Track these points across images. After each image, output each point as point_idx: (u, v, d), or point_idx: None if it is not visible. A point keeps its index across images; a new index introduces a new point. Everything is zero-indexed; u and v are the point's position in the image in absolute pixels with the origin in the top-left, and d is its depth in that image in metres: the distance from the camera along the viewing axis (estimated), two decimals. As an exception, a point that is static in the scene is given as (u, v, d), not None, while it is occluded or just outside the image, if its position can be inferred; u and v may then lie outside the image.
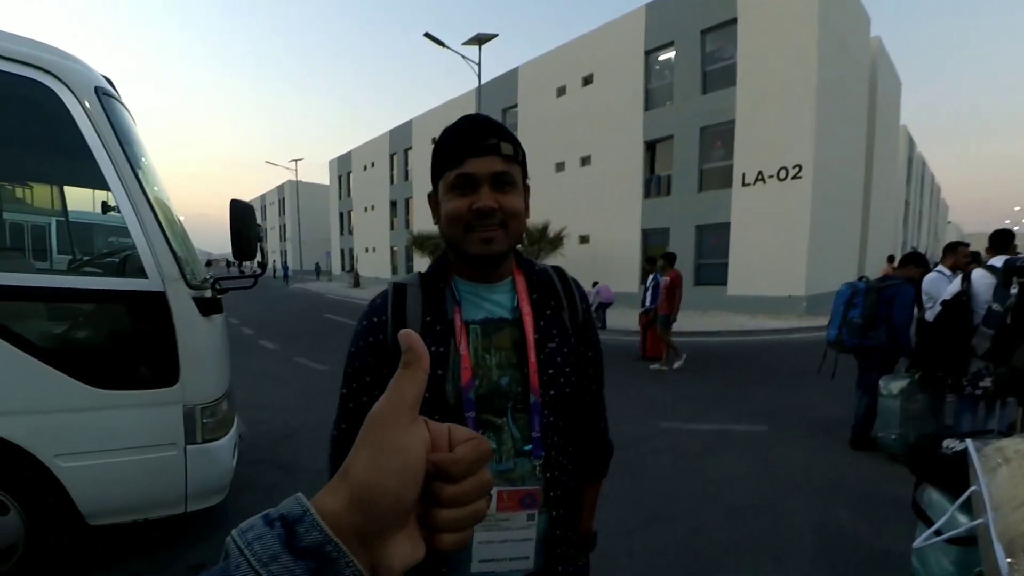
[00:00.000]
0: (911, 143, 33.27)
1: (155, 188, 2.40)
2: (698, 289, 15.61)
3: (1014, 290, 3.06)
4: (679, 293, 7.23)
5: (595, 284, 11.99)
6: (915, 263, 4.34)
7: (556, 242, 16.92)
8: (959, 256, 4.56)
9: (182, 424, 2.27)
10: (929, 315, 4.33)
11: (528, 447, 0.86)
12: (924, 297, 4.26)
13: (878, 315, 4.00)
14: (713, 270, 15.38)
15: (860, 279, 4.27)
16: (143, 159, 2.42)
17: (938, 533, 1.65)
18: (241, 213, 2.36)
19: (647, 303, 7.91)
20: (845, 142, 15.50)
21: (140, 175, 2.22)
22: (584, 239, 18.59)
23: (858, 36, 16.37)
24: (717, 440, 4.36)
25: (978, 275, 3.33)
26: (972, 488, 1.17)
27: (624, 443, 4.29)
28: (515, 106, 21.74)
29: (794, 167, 13.36)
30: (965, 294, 3.33)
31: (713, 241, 15.35)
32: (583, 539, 1.04)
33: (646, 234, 17.06)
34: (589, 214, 18.38)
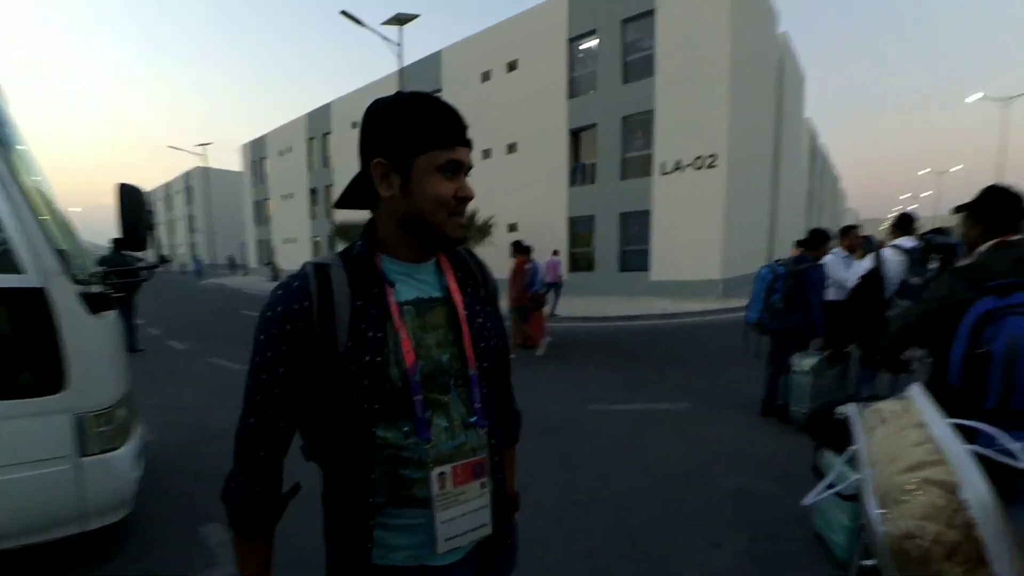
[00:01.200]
0: (814, 135, 36.34)
1: (34, 177, 2.18)
2: (623, 275, 16.29)
3: (933, 265, 3.45)
4: (519, 281, 7.43)
5: (556, 253, 12.45)
6: (825, 240, 4.61)
7: (485, 230, 16.97)
8: (852, 238, 5.08)
9: (72, 434, 2.09)
10: (830, 293, 4.74)
11: (473, 419, 0.91)
12: (827, 281, 4.61)
13: (795, 299, 4.30)
14: (637, 256, 16.08)
15: (778, 262, 4.51)
16: (18, 145, 2.18)
17: (831, 488, 1.84)
18: (129, 198, 2.19)
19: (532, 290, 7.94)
20: (756, 133, 16.68)
21: (13, 158, 2.00)
22: (512, 227, 18.76)
23: (766, 31, 17.59)
24: (644, 420, 4.59)
25: (889, 253, 3.70)
26: (854, 447, 1.32)
27: (557, 426, 4.43)
28: (439, 90, 21.42)
29: (710, 156, 14.21)
30: (878, 271, 3.69)
31: (636, 228, 16.05)
32: (511, 500, 1.12)
33: (573, 221, 17.51)
34: (516, 201, 18.56)
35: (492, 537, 0.94)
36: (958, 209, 2.10)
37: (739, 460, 3.67)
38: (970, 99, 27.21)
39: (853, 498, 2.00)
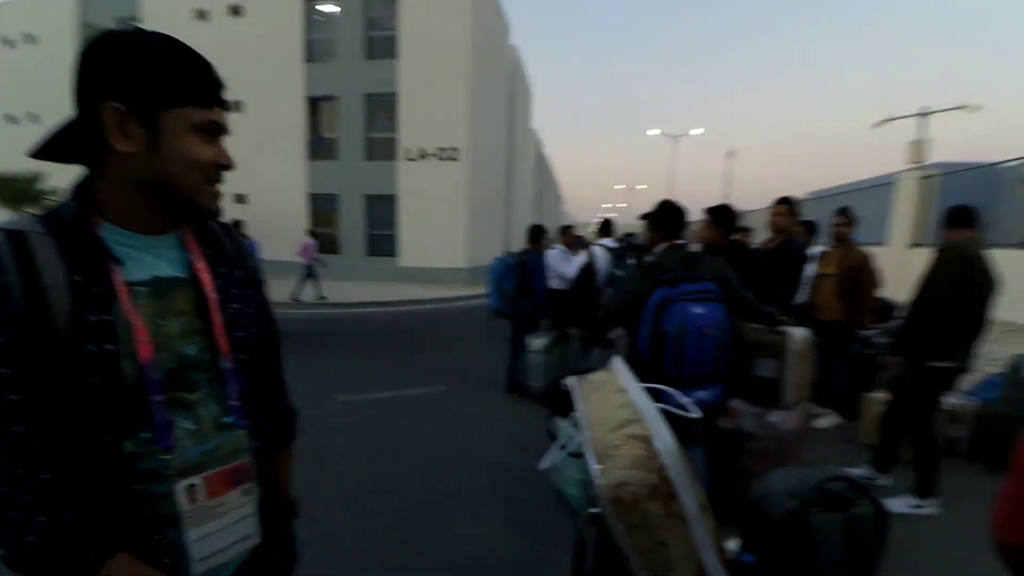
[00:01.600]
0: (539, 144, 41.75)
1: None
2: (371, 259, 16.06)
3: (631, 261, 4.29)
4: None
5: (312, 234, 11.85)
6: (542, 234, 5.43)
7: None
8: (569, 236, 6.11)
9: None
10: (555, 284, 5.63)
11: (229, 419, 0.80)
12: (549, 271, 5.46)
13: (524, 286, 4.91)
14: (384, 241, 16.03)
15: (507, 254, 5.13)
16: None
17: (562, 449, 2.14)
18: None
19: None
20: (492, 134, 18.31)
21: None
22: (240, 198, 16.53)
23: (501, 39, 19.39)
24: (399, 406, 4.63)
25: (597, 251, 4.52)
26: (575, 414, 1.52)
27: (307, 422, 4.11)
28: (136, 19, 17.27)
29: (452, 149, 15.03)
30: (591, 265, 4.46)
31: (382, 212, 15.96)
32: (288, 506, 1.02)
33: (314, 199, 16.40)
34: (244, 170, 16.25)
35: (264, 547, 0.84)
36: (642, 217, 2.71)
37: (490, 435, 4.02)
38: (650, 132, 34.65)
39: (580, 455, 2.42)
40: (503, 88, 20.32)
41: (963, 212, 2.85)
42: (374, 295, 12.25)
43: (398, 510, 2.90)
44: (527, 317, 4.97)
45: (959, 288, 2.70)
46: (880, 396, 3.68)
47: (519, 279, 4.88)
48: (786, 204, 4.00)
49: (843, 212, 4.28)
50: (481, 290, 12.68)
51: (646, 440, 1.12)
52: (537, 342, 4.80)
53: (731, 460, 2.77)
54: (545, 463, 1.43)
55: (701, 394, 2.17)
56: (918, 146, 10.53)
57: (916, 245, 7.81)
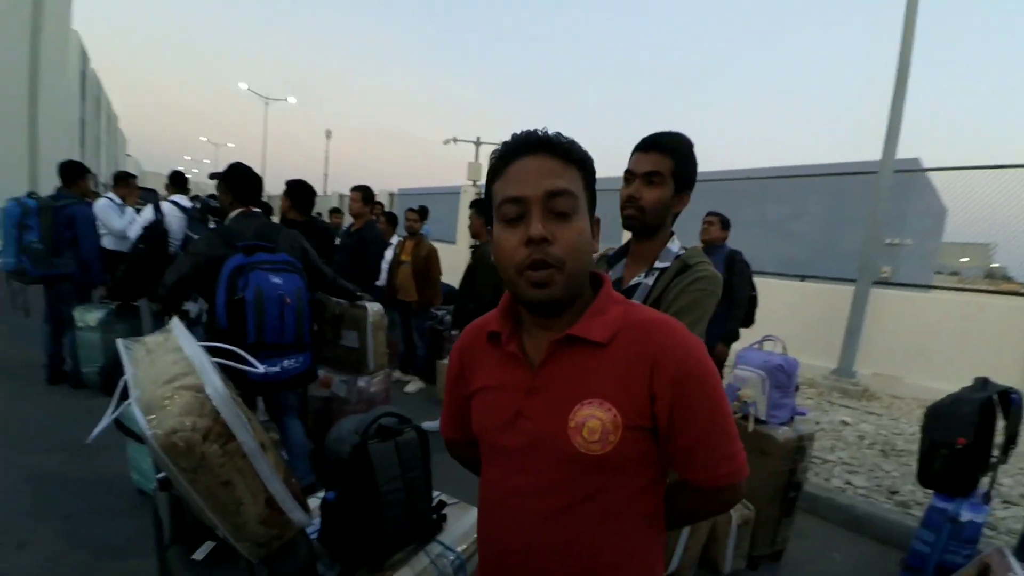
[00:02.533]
0: (85, 56, 32.31)
1: None
2: None
3: (213, 225, 3.76)
4: None
5: None
6: (80, 173, 4.33)
7: None
8: (126, 186, 5.13)
9: None
10: (107, 242, 4.62)
11: None
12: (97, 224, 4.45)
13: (61, 239, 3.90)
14: None
15: (29, 195, 3.97)
16: None
17: (118, 425, 1.93)
18: None
19: None
20: (3, 33, 13.28)
21: None
22: None
23: None
24: None
25: (168, 208, 3.82)
26: (123, 378, 1.49)
27: None
28: None
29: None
30: (162, 224, 3.69)
31: None
32: None
33: None
34: None
35: None
36: (212, 176, 2.65)
37: (34, 440, 3.19)
38: (242, 85, 31.44)
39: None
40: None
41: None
42: None
43: None
44: (69, 282, 4.00)
45: (480, 280, 3.82)
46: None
47: (48, 229, 3.86)
48: (360, 191, 4.52)
49: (413, 209, 5.14)
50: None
51: (198, 389, 1.23)
52: (90, 316, 3.90)
53: (329, 425, 3.08)
54: (93, 435, 1.36)
55: (287, 362, 2.31)
56: (475, 167, 13.51)
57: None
